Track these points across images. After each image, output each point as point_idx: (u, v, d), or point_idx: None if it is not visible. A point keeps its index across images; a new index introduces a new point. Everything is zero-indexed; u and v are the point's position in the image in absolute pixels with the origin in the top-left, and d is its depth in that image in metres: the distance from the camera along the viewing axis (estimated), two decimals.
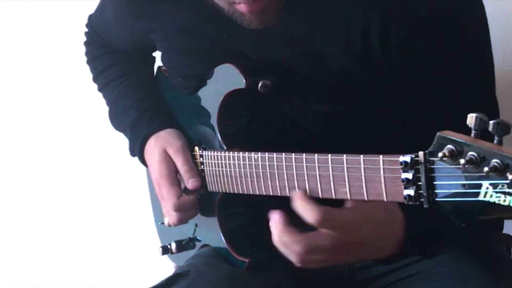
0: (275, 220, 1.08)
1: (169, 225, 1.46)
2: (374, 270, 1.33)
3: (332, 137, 1.24)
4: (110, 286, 2.09)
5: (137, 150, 1.42)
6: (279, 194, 1.15)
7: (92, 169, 2.09)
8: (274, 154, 1.14)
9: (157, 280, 1.31)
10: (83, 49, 1.61)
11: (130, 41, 1.49)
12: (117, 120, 1.50)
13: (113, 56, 1.55)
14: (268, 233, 1.32)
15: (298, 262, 1.08)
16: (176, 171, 1.37)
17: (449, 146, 0.85)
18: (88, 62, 1.60)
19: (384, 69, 1.18)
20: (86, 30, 1.61)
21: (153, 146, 1.39)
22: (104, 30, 1.54)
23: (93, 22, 1.58)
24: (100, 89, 1.57)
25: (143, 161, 1.43)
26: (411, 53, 1.16)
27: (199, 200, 1.41)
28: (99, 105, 1.56)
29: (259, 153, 1.17)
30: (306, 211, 1.03)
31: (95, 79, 1.58)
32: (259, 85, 1.21)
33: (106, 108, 1.53)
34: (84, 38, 1.62)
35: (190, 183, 1.35)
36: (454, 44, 1.16)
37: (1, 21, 2.10)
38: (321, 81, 1.22)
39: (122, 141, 1.49)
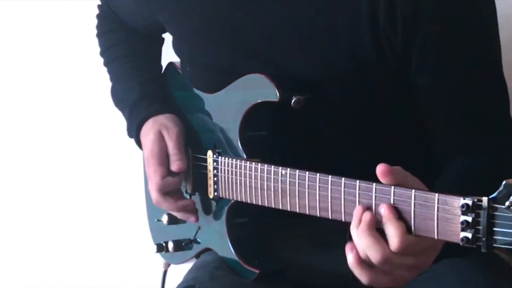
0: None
1: (168, 223, 1.45)
2: None
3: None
4: (111, 286, 2.08)
5: (134, 130, 1.44)
6: (307, 213, 1.14)
7: (92, 169, 2.08)
8: (307, 172, 1.12)
9: (154, 279, 1.30)
10: (82, 48, 1.63)
11: (141, 19, 1.49)
12: (118, 97, 1.52)
13: (123, 33, 1.55)
14: (279, 243, 1.33)
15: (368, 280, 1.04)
16: (167, 153, 1.39)
17: None
18: (98, 35, 1.60)
19: (395, 53, 1.19)
20: (99, 3, 1.60)
21: (150, 127, 1.41)
22: (117, 4, 1.53)
23: None
24: (106, 64, 1.57)
25: (139, 142, 1.45)
26: (416, 35, 1.17)
27: (205, 203, 1.40)
28: (99, 106, 1.55)
29: (288, 169, 1.16)
30: (395, 238, 0.99)
31: (102, 53, 1.58)
32: (293, 100, 1.20)
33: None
34: (97, 11, 1.61)
35: (175, 165, 1.37)
36: (461, 21, 1.18)
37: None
38: (331, 62, 1.22)
39: (122, 141, 1.49)
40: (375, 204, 1.02)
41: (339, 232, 1.23)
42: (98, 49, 1.58)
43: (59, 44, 2.02)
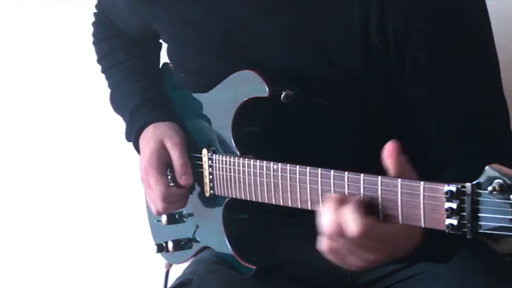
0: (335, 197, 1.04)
1: (167, 223, 1.46)
2: (376, 272, 1.34)
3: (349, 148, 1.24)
4: (111, 286, 2.09)
5: (133, 135, 1.44)
6: (299, 207, 1.15)
7: (92, 169, 2.08)
8: (297, 166, 1.13)
9: (157, 280, 1.31)
10: (82, 51, 1.63)
11: (135, 27, 1.49)
12: (118, 103, 1.52)
13: (120, 40, 1.55)
14: (275, 239, 1.34)
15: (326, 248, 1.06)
16: (166, 163, 1.38)
17: (498, 180, 0.86)
18: (95, 43, 1.61)
19: (387, 66, 1.19)
20: (95, 11, 1.60)
21: (151, 135, 1.40)
22: (112, 13, 1.54)
23: (102, 3, 1.57)
24: (103, 71, 1.58)
25: (136, 147, 1.45)
26: (408, 49, 1.16)
27: (202, 202, 1.41)
28: (100, 106, 1.56)
29: (280, 163, 1.17)
30: (353, 221, 1.00)
31: (99, 61, 1.59)
32: (282, 95, 1.20)
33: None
34: (93, 18, 1.62)
35: (183, 179, 1.37)
36: (453, 34, 1.18)
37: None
38: (321, 74, 1.22)
39: (122, 142, 1.49)
40: (363, 194, 1.02)
41: None
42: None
43: (61, 46, 2.03)
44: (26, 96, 2.09)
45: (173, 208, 1.41)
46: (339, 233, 1.01)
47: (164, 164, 1.38)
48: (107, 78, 1.56)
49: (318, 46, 1.22)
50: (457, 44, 1.18)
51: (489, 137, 1.20)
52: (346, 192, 1.05)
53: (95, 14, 1.61)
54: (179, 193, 1.39)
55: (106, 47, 1.57)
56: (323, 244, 1.06)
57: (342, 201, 1.02)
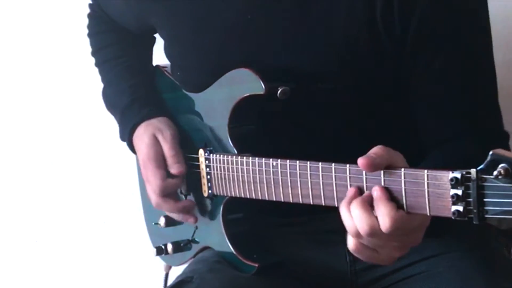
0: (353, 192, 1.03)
1: (165, 226, 1.46)
2: (376, 271, 1.34)
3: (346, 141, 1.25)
4: (110, 286, 2.09)
5: (127, 135, 1.45)
6: (300, 202, 1.14)
7: (92, 169, 2.08)
8: (297, 162, 1.13)
9: (157, 280, 1.30)
10: (81, 49, 1.61)
11: (132, 21, 1.50)
12: (109, 101, 1.53)
13: (114, 34, 1.56)
14: (276, 237, 1.33)
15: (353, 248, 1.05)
16: (163, 156, 1.40)
17: (504, 165, 0.86)
18: (89, 35, 1.61)
19: (392, 43, 1.20)
20: (90, 2, 1.60)
21: (143, 132, 1.42)
22: (108, 5, 1.54)
23: None
24: (96, 65, 1.58)
25: (131, 147, 1.46)
26: (412, 18, 1.18)
27: (200, 202, 1.40)
28: (99, 106, 1.56)
29: (279, 160, 1.16)
30: (386, 217, 0.98)
31: (93, 54, 1.59)
32: (278, 91, 1.20)
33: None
34: (88, 10, 1.61)
35: (175, 168, 1.39)
36: (456, 15, 1.20)
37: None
38: (324, 58, 1.23)
39: (122, 142, 1.48)
40: (366, 186, 1.02)
41: (338, 230, 1.24)
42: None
43: (61, 45, 2.04)
44: (26, 96, 2.09)
45: (169, 201, 1.41)
46: (373, 231, 1.00)
47: (161, 157, 1.39)
48: (100, 72, 1.57)
49: (321, 30, 1.22)
50: (459, 18, 1.20)
51: (482, 113, 1.23)
52: (349, 185, 1.05)
53: (90, 5, 1.60)
54: (174, 185, 1.40)
55: (100, 41, 1.57)
56: (352, 243, 1.05)
57: (369, 197, 1.01)
